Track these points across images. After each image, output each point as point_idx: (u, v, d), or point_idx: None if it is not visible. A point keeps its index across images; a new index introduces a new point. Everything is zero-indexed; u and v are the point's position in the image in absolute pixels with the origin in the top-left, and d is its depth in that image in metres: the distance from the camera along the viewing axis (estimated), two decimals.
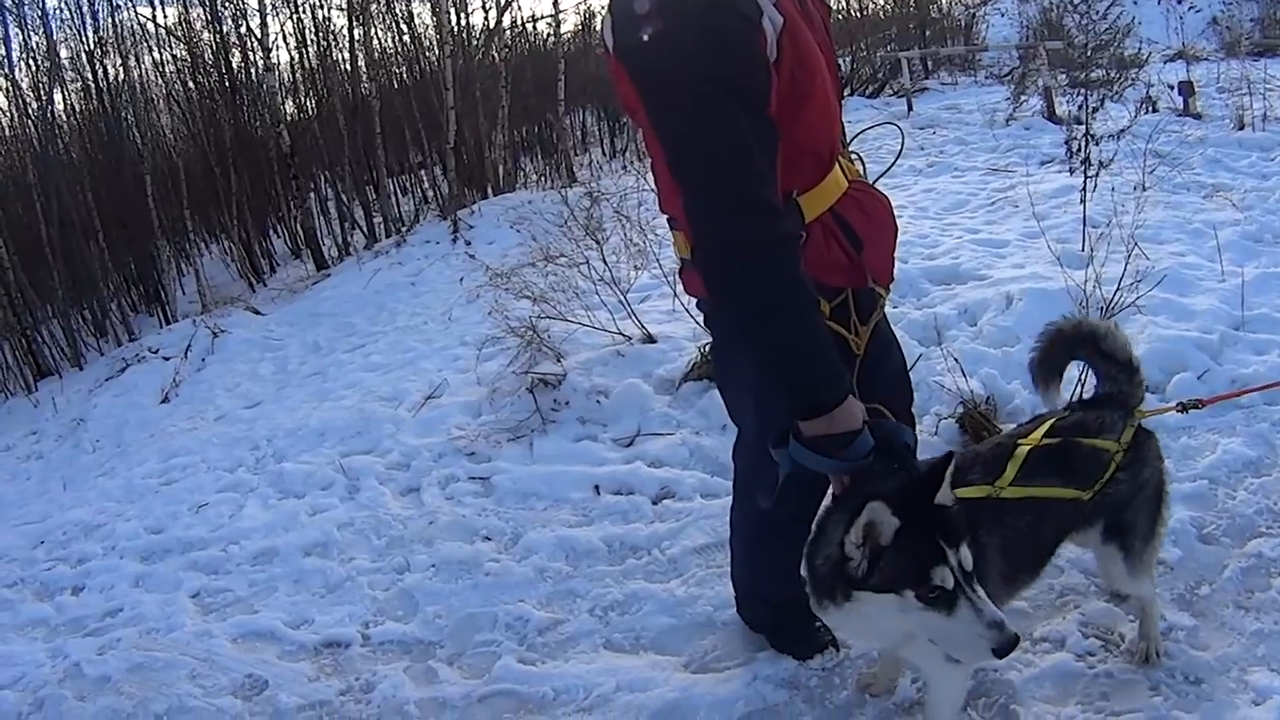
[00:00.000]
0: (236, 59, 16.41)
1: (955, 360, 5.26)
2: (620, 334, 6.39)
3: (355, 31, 15.84)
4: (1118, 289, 5.20)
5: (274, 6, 16.33)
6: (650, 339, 6.54)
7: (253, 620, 4.80)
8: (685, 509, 4.93)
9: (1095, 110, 8.65)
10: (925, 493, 2.51)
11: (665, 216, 3.16)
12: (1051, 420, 3.22)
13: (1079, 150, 7.79)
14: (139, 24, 17.18)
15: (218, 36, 16.32)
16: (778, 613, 3.77)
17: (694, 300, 3.31)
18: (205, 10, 16.39)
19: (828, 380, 2.59)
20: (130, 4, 16.78)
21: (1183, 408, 3.35)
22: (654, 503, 5.12)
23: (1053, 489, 3.04)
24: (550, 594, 4.53)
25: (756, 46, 2.49)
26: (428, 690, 4.03)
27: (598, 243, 7.33)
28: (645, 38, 2.50)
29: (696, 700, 3.63)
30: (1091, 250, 6.09)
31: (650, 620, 4.18)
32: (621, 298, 6.88)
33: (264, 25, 15.39)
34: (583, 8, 21.33)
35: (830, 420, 2.57)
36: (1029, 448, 3.07)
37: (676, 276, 3.41)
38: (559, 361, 6.48)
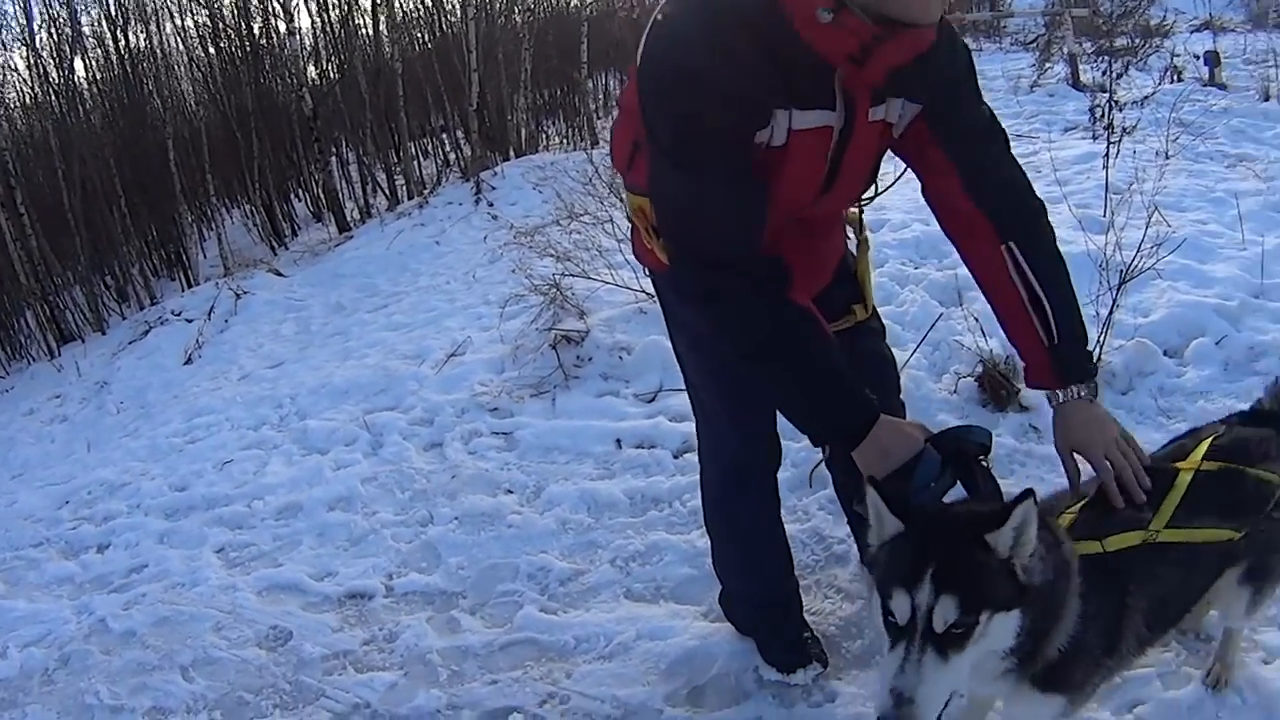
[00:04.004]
0: (258, 23, 16.44)
1: (975, 320, 5.27)
2: (643, 291, 6.39)
3: None
4: (1137, 253, 5.19)
5: None
6: None
7: (277, 573, 4.86)
8: None
9: (1119, 77, 8.63)
10: (961, 520, 2.21)
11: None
12: (1209, 438, 2.73)
13: (1102, 116, 7.79)
14: None
15: (239, 1, 16.33)
16: (757, 614, 3.64)
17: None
18: None
19: (841, 408, 2.50)
20: None
21: None
22: (675, 456, 5.16)
23: (1213, 530, 2.56)
24: (572, 545, 4.58)
25: (749, 128, 2.38)
26: (450, 639, 4.08)
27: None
28: (659, 75, 2.43)
29: (715, 649, 3.67)
30: (1113, 215, 6.08)
31: (671, 570, 4.22)
32: None
33: None
34: None
35: (883, 453, 2.43)
36: (1190, 474, 2.60)
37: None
38: (582, 318, 6.52)
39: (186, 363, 9.62)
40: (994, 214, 2.67)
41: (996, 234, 2.67)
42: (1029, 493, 2.09)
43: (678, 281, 2.67)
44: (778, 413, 3.08)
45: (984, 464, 2.45)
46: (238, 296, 10.74)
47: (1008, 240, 2.66)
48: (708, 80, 2.30)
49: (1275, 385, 2.93)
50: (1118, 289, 5.14)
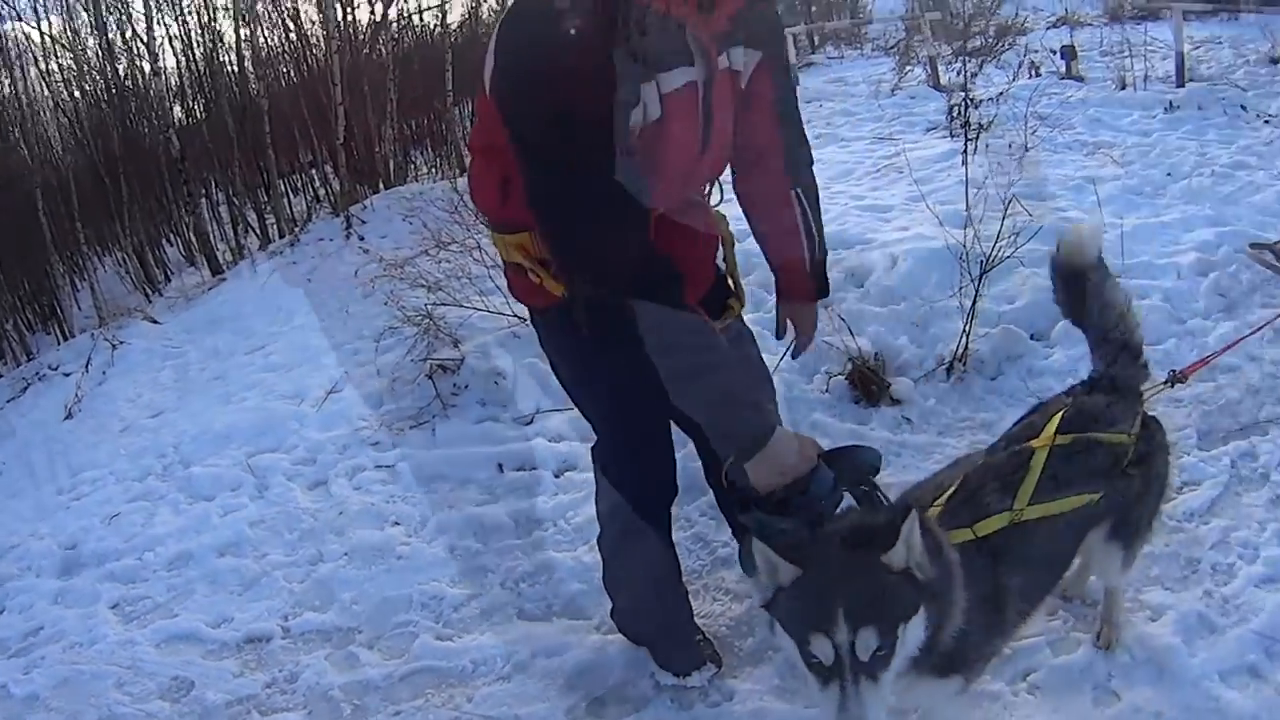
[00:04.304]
0: (123, 65, 16.17)
1: (842, 320, 5.40)
2: (515, 316, 6.42)
3: (241, 32, 15.70)
4: (995, 243, 5.36)
5: (159, 10, 16.00)
6: None
7: (174, 624, 4.82)
8: (586, 479, 4.91)
9: (974, 75, 8.83)
10: (852, 547, 2.22)
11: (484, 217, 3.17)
12: (1058, 412, 2.92)
13: (960, 114, 7.99)
14: (24, 34, 16.93)
15: (103, 42, 16.08)
16: (650, 625, 3.74)
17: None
18: (90, 16, 16.14)
19: (740, 417, 2.52)
20: (14, 14, 16.36)
21: (1170, 382, 3.14)
22: (556, 476, 5.21)
23: (1074, 499, 2.73)
24: (462, 571, 4.63)
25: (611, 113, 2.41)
26: (350, 675, 4.11)
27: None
28: (517, 81, 2.44)
29: (611, 660, 3.78)
30: (970, 210, 6.27)
31: (561, 587, 4.32)
32: None
33: (150, 30, 15.17)
34: None
35: (779, 468, 2.46)
36: (1045, 451, 2.77)
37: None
38: (456, 346, 6.53)
39: (67, 418, 9.42)
40: (793, 164, 3.09)
41: (789, 180, 3.10)
42: (909, 507, 2.21)
43: (574, 302, 2.74)
44: (671, 430, 3.27)
45: (874, 483, 2.51)
46: (114, 347, 10.53)
47: (796, 186, 3.11)
48: (564, 79, 2.34)
49: (1101, 352, 3.17)
50: (979, 279, 5.30)
